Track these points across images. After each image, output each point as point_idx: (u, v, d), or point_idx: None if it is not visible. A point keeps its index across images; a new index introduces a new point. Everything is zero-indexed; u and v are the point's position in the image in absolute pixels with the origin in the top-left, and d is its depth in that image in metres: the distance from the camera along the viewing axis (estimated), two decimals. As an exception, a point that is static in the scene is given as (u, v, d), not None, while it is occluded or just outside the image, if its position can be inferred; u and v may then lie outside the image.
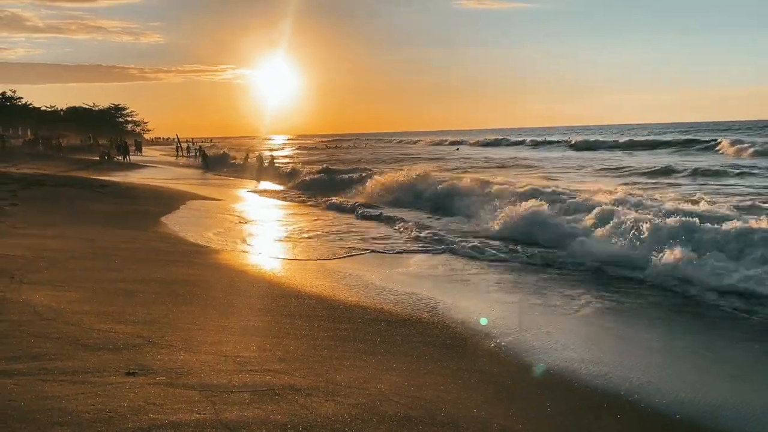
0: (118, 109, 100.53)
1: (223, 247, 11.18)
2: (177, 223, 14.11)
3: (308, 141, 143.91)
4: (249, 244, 11.72)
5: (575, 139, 66.58)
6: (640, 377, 5.30)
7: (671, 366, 5.67)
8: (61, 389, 3.81)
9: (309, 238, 13.07)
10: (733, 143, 43.34)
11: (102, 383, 4.01)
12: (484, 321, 6.91)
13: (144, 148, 72.13)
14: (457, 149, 69.36)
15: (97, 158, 46.01)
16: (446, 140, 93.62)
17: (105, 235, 11.30)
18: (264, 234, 13.79)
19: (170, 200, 19.04)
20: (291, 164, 36.30)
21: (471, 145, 78.90)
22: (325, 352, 5.39)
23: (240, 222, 15.67)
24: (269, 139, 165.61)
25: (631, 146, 53.83)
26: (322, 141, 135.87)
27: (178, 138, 67.59)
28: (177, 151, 61.33)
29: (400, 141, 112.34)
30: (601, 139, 64.96)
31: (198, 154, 51.46)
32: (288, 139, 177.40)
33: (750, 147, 40.39)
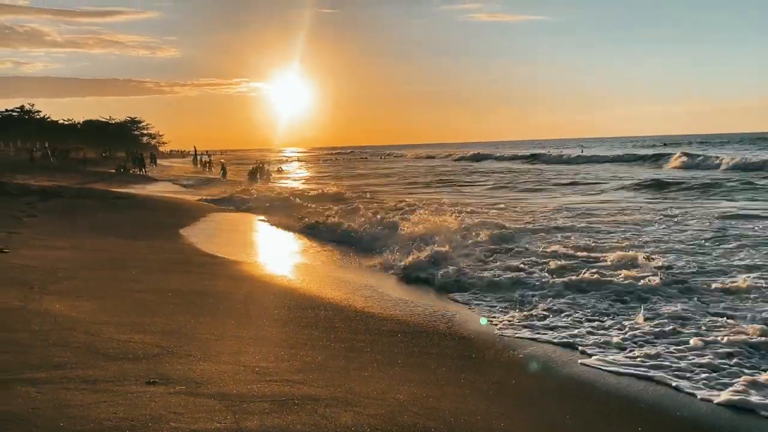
0: (134, 122, 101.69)
1: (242, 258, 11.22)
2: (194, 234, 14.20)
3: (314, 154, 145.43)
4: (266, 256, 11.77)
5: (560, 152, 66.33)
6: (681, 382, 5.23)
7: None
8: (83, 397, 3.85)
9: (324, 250, 13.10)
10: (681, 156, 44.57)
11: (123, 392, 4.04)
12: (483, 321, 7.08)
13: (159, 161, 72.94)
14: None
15: (113, 170, 46.82)
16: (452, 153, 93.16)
17: (123, 246, 11.40)
18: (280, 246, 13.85)
19: (188, 212, 19.17)
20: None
21: (454, 159, 78.38)
22: (342, 363, 5.39)
23: (258, 233, 15.77)
24: (281, 152, 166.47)
25: (590, 160, 54.13)
26: (321, 154, 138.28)
27: (195, 150, 72.30)
28: (194, 162, 63.75)
29: (389, 153, 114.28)
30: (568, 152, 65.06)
31: (208, 166, 52.57)
32: (299, 152, 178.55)
33: (689, 160, 42.00)
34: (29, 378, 4.14)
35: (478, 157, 76.43)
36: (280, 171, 40.24)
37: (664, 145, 62.45)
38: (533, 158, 63.19)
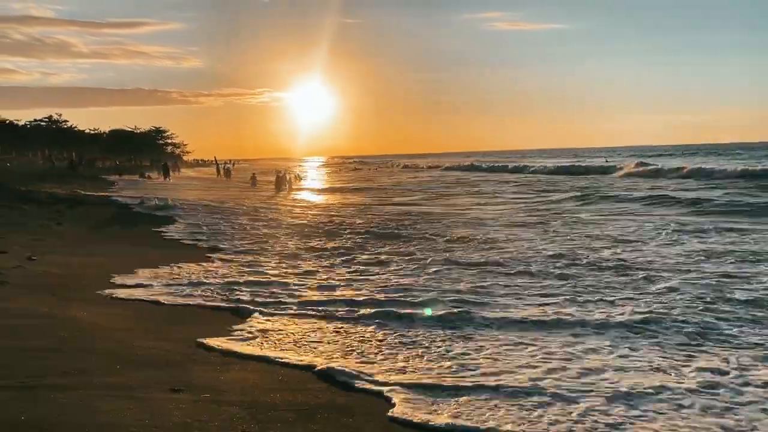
0: (159, 132, 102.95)
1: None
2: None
3: (333, 163, 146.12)
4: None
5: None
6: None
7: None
8: (110, 404, 3.87)
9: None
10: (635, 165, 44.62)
11: (148, 399, 4.05)
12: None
13: (183, 169, 73.95)
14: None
15: (137, 177, 48.42)
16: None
17: (148, 254, 11.50)
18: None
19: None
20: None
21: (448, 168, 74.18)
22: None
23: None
24: (303, 161, 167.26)
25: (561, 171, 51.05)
26: (337, 162, 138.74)
27: (216, 160, 71.39)
28: (217, 171, 63.50)
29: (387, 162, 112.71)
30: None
31: (229, 174, 53.23)
32: (320, 161, 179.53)
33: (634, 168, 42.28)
34: (56, 384, 4.18)
35: (461, 167, 71.62)
36: (298, 179, 40.56)
37: (606, 160, 60.83)
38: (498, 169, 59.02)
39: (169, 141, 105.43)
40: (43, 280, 8.21)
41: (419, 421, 3.99)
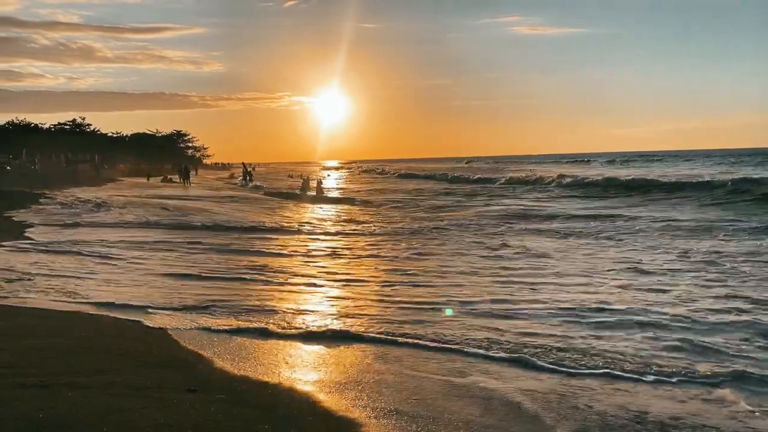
0: (180, 135, 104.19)
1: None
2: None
3: (351, 166, 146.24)
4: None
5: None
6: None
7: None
8: (125, 403, 3.87)
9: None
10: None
11: (164, 399, 4.05)
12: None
13: (202, 172, 74.20)
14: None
15: (160, 179, 49.04)
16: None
17: (169, 254, 11.57)
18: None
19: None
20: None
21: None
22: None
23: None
24: (322, 164, 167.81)
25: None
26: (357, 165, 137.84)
27: (245, 166, 55.06)
28: (245, 179, 49.99)
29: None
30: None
31: (250, 177, 50.79)
32: (338, 164, 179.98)
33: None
34: (73, 382, 4.19)
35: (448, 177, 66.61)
36: (320, 184, 40.05)
37: (467, 162, 58.54)
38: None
39: (190, 144, 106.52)
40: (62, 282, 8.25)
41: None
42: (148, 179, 49.88)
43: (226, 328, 6.27)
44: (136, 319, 6.49)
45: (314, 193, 35.14)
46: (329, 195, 35.87)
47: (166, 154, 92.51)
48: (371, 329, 6.32)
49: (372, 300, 7.80)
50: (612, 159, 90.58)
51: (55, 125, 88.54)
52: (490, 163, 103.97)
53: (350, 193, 38.25)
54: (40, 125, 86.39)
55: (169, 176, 52.58)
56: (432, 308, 7.28)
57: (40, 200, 22.18)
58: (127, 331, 5.93)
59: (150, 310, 6.92)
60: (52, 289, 7.93)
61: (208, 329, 6.21)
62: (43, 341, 5.30)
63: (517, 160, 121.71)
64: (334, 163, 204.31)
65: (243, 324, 6.44)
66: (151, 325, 6.26)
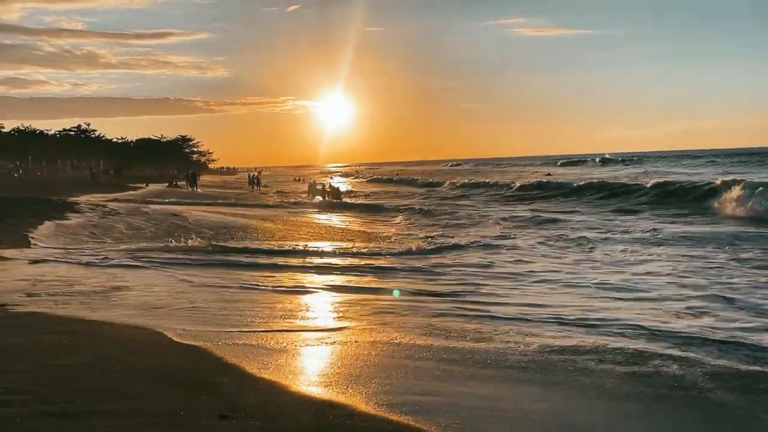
0: (184, 140, 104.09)
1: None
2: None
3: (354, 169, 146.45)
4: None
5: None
6: None
7: None
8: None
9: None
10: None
11: (196, 426, 3.76)
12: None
13: (209, 177, 74.13)
14: None
15: (166, 184, 49.12)
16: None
17: (186, 268, 11.29)
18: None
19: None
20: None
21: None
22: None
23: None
24: (325, 168, 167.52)
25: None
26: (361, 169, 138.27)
27: (250, 174, 58.40)
28: (251, 185, 51.70)
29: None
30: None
31: (257, 182, 51.60)
32: (342, 167, 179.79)
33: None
34: (99, 410, 3.91)
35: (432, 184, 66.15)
36: (337, 190, 38.82)
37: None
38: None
39: (195, 149, 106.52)
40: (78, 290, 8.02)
41: None
42: (173, 185, 49.38)
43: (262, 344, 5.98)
44: (162, 332, 6.20)
45: (329, 199, 34.59)
46: (355, 202, 34.96)
47: (171, 159, 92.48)
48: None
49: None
50: (610, 159, 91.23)
51: (60, 131, 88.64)
52: (472, 165, 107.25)
53: (374, 199, 37.35)
54: (45, 131, 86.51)
55: (175, 182, 52.49)
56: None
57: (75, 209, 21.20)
58: (155, 347, 5.63)
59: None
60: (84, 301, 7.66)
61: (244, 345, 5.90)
62: (65, 359, 5.02)
63: (515, 162, 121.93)
64: (338, 165, 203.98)
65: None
66: (179, 341, 5.95)
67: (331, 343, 6.15)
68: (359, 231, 19.71)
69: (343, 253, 13.22)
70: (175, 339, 6.02)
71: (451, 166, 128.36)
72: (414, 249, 13.41)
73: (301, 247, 14.03)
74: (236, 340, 6.07)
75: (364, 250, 13.58)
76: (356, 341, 6.16)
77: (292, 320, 7.27)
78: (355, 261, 12.10)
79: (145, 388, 4.46)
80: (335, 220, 24.75)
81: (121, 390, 4.35)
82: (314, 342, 6.26)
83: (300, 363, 5.51)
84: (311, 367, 5.40)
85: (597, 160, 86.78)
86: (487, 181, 45.31)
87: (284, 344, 6.05)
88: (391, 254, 12.88)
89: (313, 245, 14.65)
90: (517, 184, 39.12)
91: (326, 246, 14.70)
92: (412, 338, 6.24)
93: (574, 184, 34.29)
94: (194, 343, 5.87)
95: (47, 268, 10.31)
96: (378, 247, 14.10)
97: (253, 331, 6.45)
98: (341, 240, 16.66)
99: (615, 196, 28.96)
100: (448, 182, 49.51)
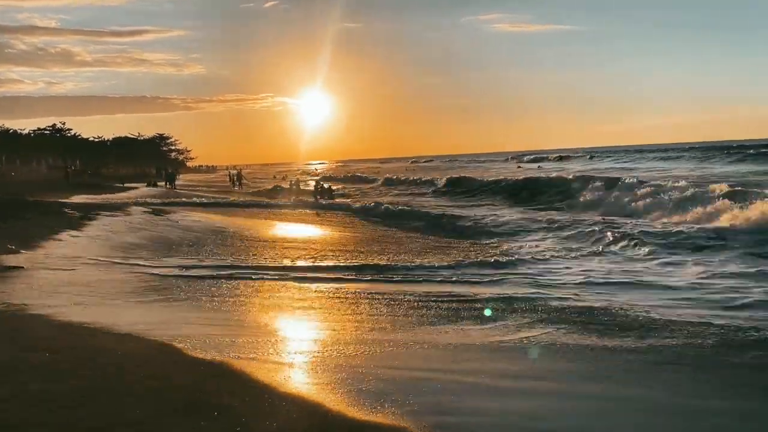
0: (162, 139, 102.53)
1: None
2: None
3: (335, 166, 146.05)
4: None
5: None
6: None
7: None
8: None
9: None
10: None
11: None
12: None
13: (188, 176, 73.16)
14: None
15: (145, 184, 48.46)
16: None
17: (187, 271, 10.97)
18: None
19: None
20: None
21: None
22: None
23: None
24: (307, 165, 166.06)
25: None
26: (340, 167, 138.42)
27: (230, 173, 60.39)
28: (233, 183, 53.06)
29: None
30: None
31: (238, 180, 51.97)
32: (323, 164, 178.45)
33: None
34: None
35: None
36: (329, 189, 37.66)
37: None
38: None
39: (173, 147, 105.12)
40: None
41: None
42: (152, 184, 48.56)
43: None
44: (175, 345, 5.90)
45: (326, 199, 34.06)
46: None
47: (149, 157, 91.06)
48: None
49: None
50: (589, 154, 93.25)
51: (34, 131, 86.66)
52: (436, 162, 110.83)
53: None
54: (19, 131, 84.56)
55: (154, 182, 51.74)
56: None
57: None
58: (169, 366, 5.31)
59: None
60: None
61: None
62: (59, 382, 4.70)
63: (492, 158, 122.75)
64: (320, 162, 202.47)
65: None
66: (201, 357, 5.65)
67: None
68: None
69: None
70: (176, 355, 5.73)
71: (411, 162, 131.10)
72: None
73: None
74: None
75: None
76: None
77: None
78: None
79: (150, 412, 4.18)
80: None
81: (126, 417, 4.06)
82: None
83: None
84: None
85: (553, 157, 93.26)
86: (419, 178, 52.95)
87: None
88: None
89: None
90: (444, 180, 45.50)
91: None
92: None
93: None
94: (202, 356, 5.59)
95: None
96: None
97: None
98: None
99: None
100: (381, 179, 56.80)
